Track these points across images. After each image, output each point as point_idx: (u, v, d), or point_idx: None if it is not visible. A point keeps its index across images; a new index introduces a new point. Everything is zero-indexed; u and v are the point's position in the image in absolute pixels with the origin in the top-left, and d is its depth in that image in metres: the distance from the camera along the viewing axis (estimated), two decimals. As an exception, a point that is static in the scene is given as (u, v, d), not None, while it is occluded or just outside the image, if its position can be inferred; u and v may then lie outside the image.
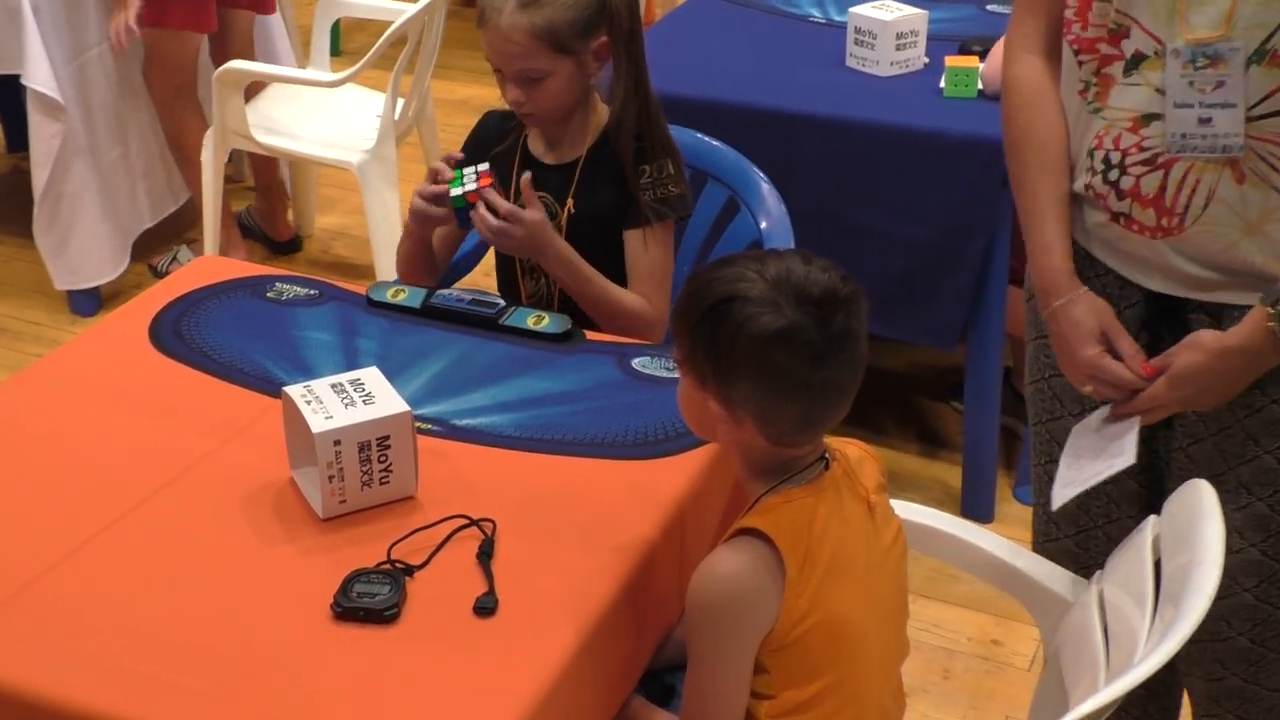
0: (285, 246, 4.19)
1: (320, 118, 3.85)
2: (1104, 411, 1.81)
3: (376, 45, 3.44)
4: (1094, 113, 1.74)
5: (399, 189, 3.69)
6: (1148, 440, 1.82)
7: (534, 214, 2.13)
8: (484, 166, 2.14)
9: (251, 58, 3.89)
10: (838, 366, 1.52)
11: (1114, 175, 1.72)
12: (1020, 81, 1.82)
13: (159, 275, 3.96)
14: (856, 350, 1.53)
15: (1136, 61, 1.68)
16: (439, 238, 2.32)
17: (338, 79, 3.59)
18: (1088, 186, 1.76)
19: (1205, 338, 1.71)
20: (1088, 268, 1.82)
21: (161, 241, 4.09)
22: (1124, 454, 1.73)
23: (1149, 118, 1.68)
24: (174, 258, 4.03)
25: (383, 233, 3.65)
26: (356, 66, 3.51)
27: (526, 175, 2.14)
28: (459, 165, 2.15)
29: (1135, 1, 1.66)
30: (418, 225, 2.23)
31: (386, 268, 3.67)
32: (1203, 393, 1.73)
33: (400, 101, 3.73)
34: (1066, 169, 1.79)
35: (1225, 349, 1.68)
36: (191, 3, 3.64)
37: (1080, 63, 1.74)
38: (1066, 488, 1.79)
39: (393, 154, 3.66)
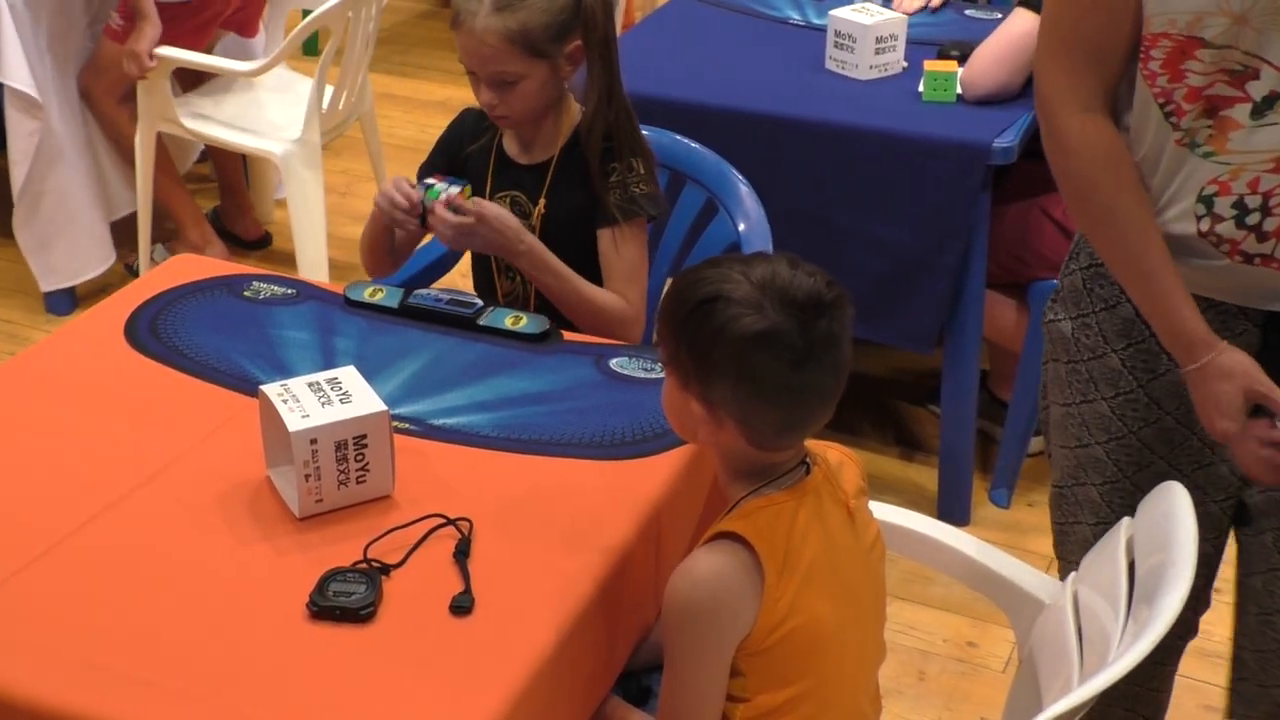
0: (254, 244, 4.20)
1: (264, 110, 3.86)
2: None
3: (290, 37, 3.43)
4: (1204, 157, 1.67)
5: (324, 178, 3.70)
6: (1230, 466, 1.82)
7: (494, 206, 2.13)
8: (454, 190, 2.12)
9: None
10: (820, 371, 1.52)
11: (1253, 219, 1.66)
12: (1092, 143, 1.73)
13: (134, 274, 3.95)
14: (840, 356, 1.53)
15: (1270, 102, 1.62)
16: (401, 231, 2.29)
17: (256, 68, 3.55)
18: (1205, 233, 1.70)
19: None
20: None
21: (135, 240, 4.07)
22: None
23: None
24: (149, 257, 4.01)
25: (305, 223, 3.66)
26: (272, 56, 3.49)
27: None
28: (430, 179, 2.15)
29: (1267, 42, 1.60)
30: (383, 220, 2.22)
31: (310, 260, 3.68)
32: None
33: (347, 94, 3.74)
34: (1157, 225, 1.73)
35: None
36: (195, 28, 3.66)
37: (1171, 111, 1.67)
38: None
39: (317, 142, 3.64)
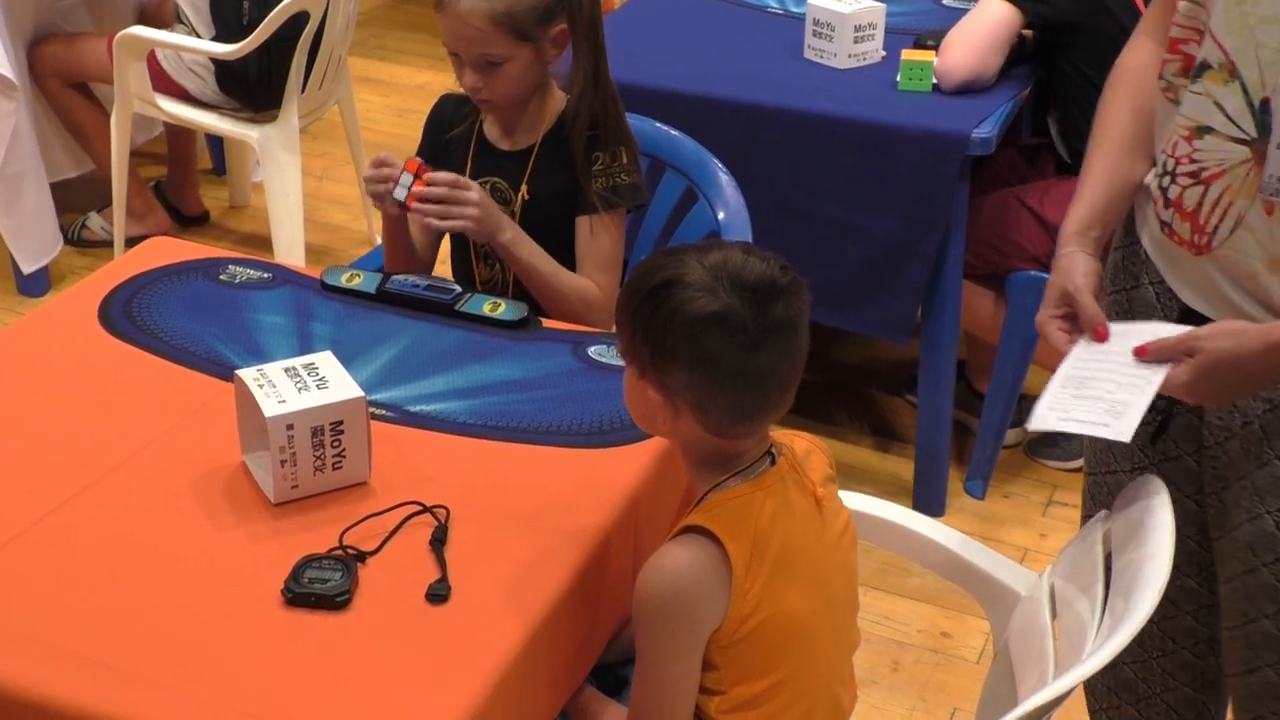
0: (193, 221, 4.16)
1: None
2: (1118, 350, 1.64)
3: (269, 18, 3.40)
4: (1178, 113, 1.65)
5: (301, 162, 3.69)
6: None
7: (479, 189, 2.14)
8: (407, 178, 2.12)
9: None
10: (774, 355, 1.51)
11: (1166, 181, 1.65)
12: (1121, 62, 1.79)
13: (70, 241, 3.98)
14: (795, 341, 1.53)
15: (1201, 70, 1.59)
16: (417, 228, 2.29)
17: (234, 50, 3.53)
18: (1151, 186, 1.70)
19: (1243, 328, 1.56)
20: (1142, 272, 1.74)
21: (71, 209, 4.06)
22: (1122, 429, 1.56)
23: (1202, 130, 1.60)
24: (83, 224, 4.03)
25: (282, 207, 3.64)
26: (250, 37, 3.45)
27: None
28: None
29: (1211, 8, 1.57)
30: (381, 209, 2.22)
31: (287, 244, 3.67)
32: (1224, 387, 1.59)
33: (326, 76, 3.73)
34: (1129, 152, 1.74)
35: (1272, 344, 1.53)
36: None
37: (1165, 60, 1.67)
38: (1053, 412, 1.61)
39: (294, 125, 3.63)
